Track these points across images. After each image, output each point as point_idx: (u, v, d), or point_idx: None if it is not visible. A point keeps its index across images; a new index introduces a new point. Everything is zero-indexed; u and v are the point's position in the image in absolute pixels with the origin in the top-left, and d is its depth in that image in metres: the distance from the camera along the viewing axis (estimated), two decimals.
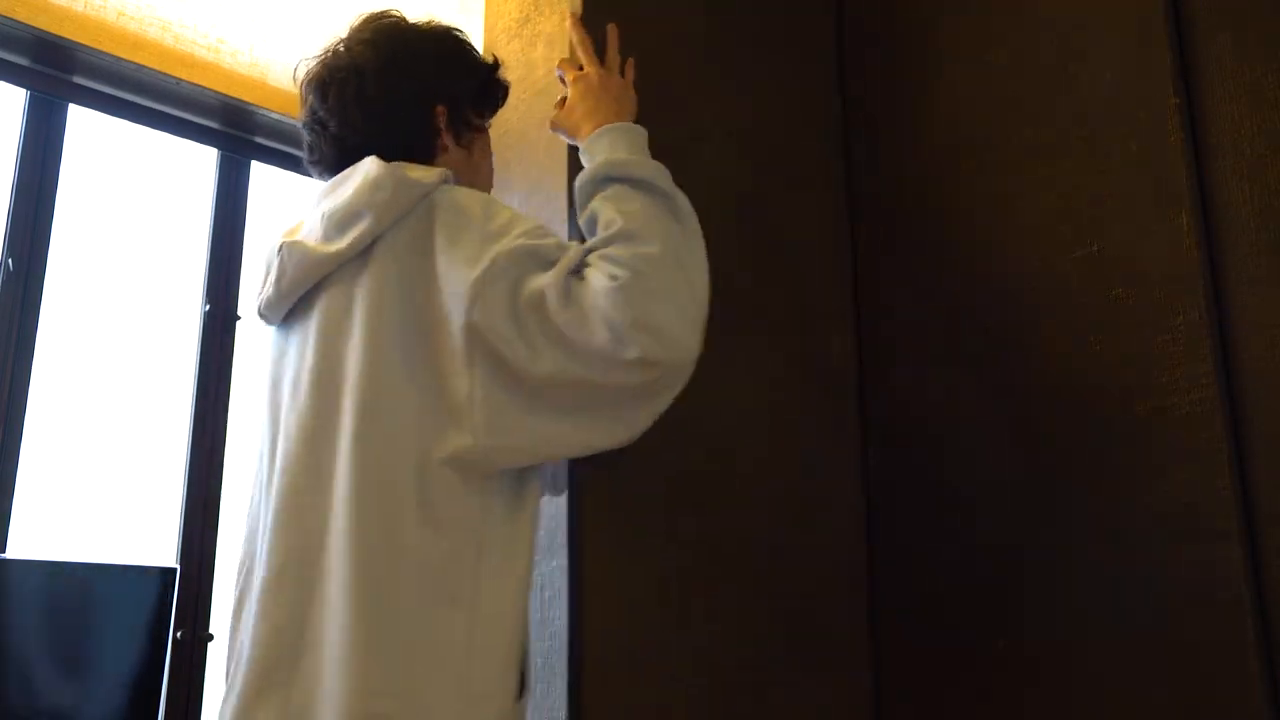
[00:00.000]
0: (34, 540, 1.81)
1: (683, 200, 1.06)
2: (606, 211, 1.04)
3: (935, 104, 1.50)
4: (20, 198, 1.84)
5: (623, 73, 1.30)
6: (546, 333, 0.96)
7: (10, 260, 1.81)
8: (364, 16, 1.23)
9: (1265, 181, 1.05)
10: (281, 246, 1.12)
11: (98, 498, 1.97)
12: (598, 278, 0.97)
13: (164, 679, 1.66)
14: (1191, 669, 1.00)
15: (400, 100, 1.17)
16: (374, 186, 1.06)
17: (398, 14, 1.24)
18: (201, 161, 2.15)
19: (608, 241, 1.01)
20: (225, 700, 1.03)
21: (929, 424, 1.26)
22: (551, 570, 1.21)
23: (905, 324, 1.27)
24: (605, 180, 1.07)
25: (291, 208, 2.22)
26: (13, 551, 1.75)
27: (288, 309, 1.13)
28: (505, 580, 1.00)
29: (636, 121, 1.21)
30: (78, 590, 1.67)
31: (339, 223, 1.07)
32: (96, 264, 2.02)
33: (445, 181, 1.08)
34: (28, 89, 1.88)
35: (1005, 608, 1.13)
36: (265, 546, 1.02)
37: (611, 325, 0.94)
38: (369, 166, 1.09)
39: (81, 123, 1.98)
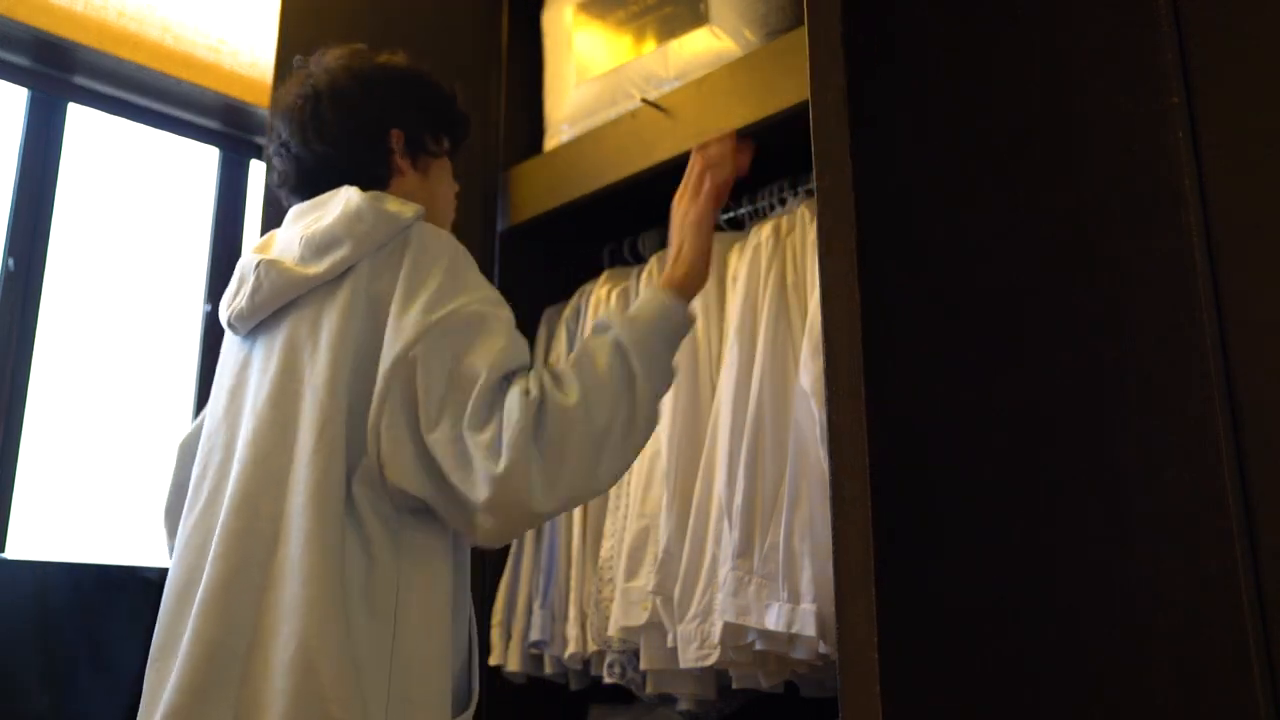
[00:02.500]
0: (34, 540, 1.81)
1: (645, 389, 1.09)
2: (576, 351, 1.11)
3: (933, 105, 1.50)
4: (20, 197, 1.84)
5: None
6: (454, 411, 1.02)
7: (10, 260, 1.81)
8: (332, 48, 1.30)
9: (1265, 181, 1.05)
10: (259, 263, 1.17)
11: (98, 498, 1.97)
12: (515, 394, 1.03)
13: None
14: (1191, 669, 1.00)
15: (353, 124, 1.23)
16: (355, 217, 1.12)
17: (362, 47, 1.31)
18: (202, 161, 2.16)
19: (553, 375, 1.07)
20: (160, 693, 1.05)
21: (928, 423, 1.26)
22: None
23: (904, 324, 1.27)
24: (605, 327, 1.13)
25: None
26: (12, 551, 1.75)
27: (257, 322, 1.19)
28: (424, 593, 1.06)
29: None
30: (78, 590, 1.67)
31: (318, 248, 1.13)
32: (96, 263, 2.02)
33: (419, 217, 1.14)
34: (28, 89, 1.88)
35: (1004, 607, 1.13)
36: (215, 549, 1.07)
37: (494, 449, 0.99)
38: (349, 196, 1.15)
39: (81, 123, 1.98)
